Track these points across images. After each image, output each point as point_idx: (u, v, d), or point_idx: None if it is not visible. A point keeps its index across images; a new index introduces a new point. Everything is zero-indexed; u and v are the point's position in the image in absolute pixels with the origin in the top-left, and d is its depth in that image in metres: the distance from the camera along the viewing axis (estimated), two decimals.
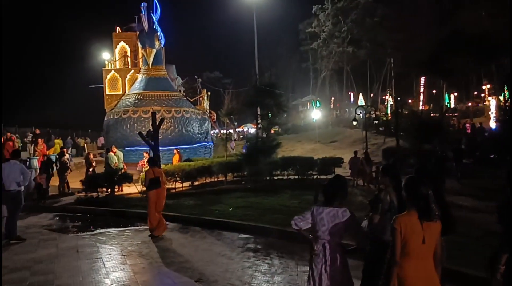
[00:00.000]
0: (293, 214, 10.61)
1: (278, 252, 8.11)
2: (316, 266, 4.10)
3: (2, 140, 20.11)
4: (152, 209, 9.78)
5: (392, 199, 4.56)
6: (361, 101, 52.65)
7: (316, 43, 55.41)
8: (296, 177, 18.37)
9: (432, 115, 34.21)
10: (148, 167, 10.63)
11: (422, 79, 42.46)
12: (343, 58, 54.84)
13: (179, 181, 16.32)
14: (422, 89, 42.98)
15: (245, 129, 57.94)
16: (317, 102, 55.81)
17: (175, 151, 19.26)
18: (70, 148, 28.83)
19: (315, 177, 18.07)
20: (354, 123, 24.40)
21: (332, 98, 64.77)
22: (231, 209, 12.19)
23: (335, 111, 61.52)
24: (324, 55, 56.36)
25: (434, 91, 46.64)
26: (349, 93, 60.77)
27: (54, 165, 16.54)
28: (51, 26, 66.86)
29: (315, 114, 47.51)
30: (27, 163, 17.86)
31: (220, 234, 9.83)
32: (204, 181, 17.56)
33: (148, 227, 9.95)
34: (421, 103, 42.71)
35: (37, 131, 22.65)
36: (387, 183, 4.69)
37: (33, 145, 20.76)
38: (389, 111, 47.16)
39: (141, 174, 15.05)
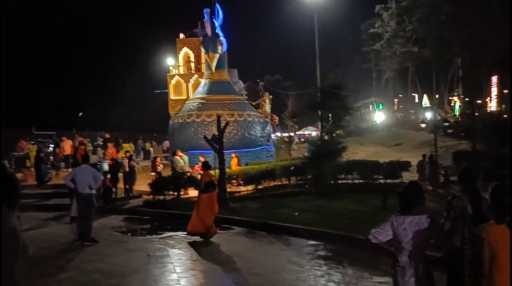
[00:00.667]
0: (360, 219, 10.44)
1: (350, 261, 7.80)
2: (402, 278, 3.85)
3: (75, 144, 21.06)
4: (208, 212, 9.78)
5: (465, 206, 4.34)
6: (425, 102, 50.63)
7: (379, 44, 54.02)
8: (361, 181, 17.81)
9: (505, 116, 32.29)
10: (203, 171, 10.69)
11: (494, 78, 40.08)
12: (407, 58, 53.05)
13: (243, 185, 16.32)
14: (494, 89, 40.50)
15: (306, 132, 57.44)
16: (380, 104, 54.36)
17: (233, 155, 19.23)
18: (141, 151, 29.74)
19: (381, 181, 17.45)
20: (423, 125, 23.45)
21: (396, 100, 62.87)
22: (296, 213, 11.98)
23: (399, 113, 59.61)
24: (387, 55, 54.85)
25: (505, 91, 43.99)
26: (413, 94, 58.72)
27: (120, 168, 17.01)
28: (119, 35, 69.90)
29: (378, 116, 46.26)
30: (98, 166, 18.52)
31: (287, 240, 9.64)
32: (268, 185, 17.44)
33: (190, 231, 9.88)
34: (494, 103, 40.31)
35: (107, 136, 23.49)
36: (461, 189, 4.51)
37: (103, 149, 21.57)
38: (457, 113, 45.05)
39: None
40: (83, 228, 9.69)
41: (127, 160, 16.78)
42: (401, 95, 62.80)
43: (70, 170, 16.86)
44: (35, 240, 9.17)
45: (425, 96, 52.25)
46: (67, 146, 20.89)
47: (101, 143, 23.42)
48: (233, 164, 18.67)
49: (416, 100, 57.86)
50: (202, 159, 16.79)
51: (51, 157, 21.57)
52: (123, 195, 16.30)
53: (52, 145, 23.71)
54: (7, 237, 3.97)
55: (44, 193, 16.38)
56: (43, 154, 19.17)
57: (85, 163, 10.24)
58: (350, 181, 17.95)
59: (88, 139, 23.50)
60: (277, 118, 27.19)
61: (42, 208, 14.26)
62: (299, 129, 56.49)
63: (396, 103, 62.76)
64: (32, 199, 15.21)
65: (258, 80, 31.83)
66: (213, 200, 10.08)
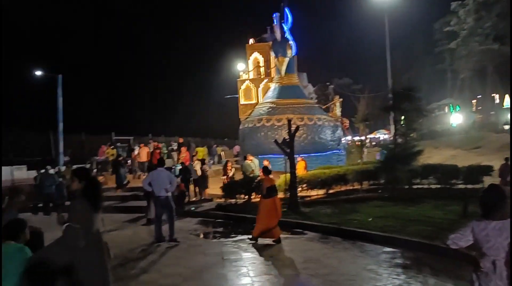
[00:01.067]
0: (439, 226, 9.95)
1: (431, 270, 7.41)
2: (486, 284, 3.67)
3: (150, 149, 21.88)
4: (272, 216, 9.83)
5: None
6: (507, 103, 47.55)
7: (455, 42, 51.49)
8: (438, 186, 17.03)
9: None
10: (264, 176, 10.73)
11: None
12: (486, 56, 50.13)
13: (314, 189, 16.16)
14: None
15: (377, 136, 56.03)
16: (457, 106, 51.81)
17: (299, 158, 18.98)
18: (215, 156, 30.40)
19: (460, 186, 16.56)
20: (506, 127, 21.96)
21: (474, 101, 59.60)
22: (370, 219, 11.62)
23: (478, 115, 56.44)
24: (464, 54, 52.16)
25: None
26: (493, 94, 55.37)
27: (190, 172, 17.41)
28: (192, 43, 72.37)
29: (455, 118, 44.03)
30: (172, 170, 19.13)
31: (362, 246, 9.36)
32: (339, 189, 17.13)
33: (254, 235, 10.06)
34: None
35: (180, 140, 24.23)
36: None
37: (177, 153, 22.26)
38: None
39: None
40: (161, 230, 10.07)
41: (196, 163, 17.19)
42: (479, 96, 59.48)
43: (144, 175, 17.62)
44: (116, 241, 9.56)
45: (506, 96, 49.04)
46: (143, 153, 21.52)
47: (175, 148, 24.21)
48: (300, 168, 18.48)
49: (497, 101, 54.55)
50: (265, 163, 16.88)
51: (129, 161, 22.54)
52: (194, 198, 16.73)
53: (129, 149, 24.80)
54: (94, 239, 4.15)
55: (122, 196, 17.20)
56: (121, 158, 20.14)
57: (160, 167, 10.59)
58: (426, 186, 17.22)
59: (163, 144, 24.38)
60: (347, 122, 26.72)
61: (120, 210, 14.98)
62: (370, 132, 55.27)
63: (474, 104, 59.53)
64: (112, 201, 16.02)
65: (327, 84, 31.47)
66: (277, 204, 10.09)
